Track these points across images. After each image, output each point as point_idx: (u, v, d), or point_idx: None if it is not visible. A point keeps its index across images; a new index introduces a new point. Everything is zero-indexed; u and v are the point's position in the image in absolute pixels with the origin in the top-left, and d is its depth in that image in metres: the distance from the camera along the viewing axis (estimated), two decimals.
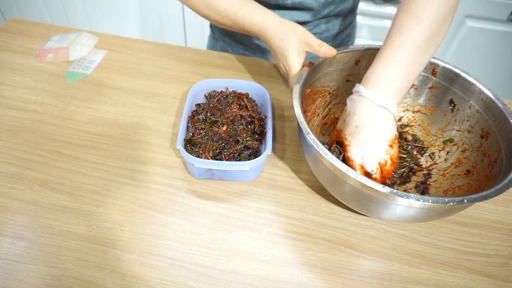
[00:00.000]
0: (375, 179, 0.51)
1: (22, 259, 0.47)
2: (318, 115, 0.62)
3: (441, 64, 0.56)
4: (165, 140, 0.62)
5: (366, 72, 0.51)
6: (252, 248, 0.50)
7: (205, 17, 0.64)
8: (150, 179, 0.57)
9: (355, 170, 0.51)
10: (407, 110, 0.63)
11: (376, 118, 0.49)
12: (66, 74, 0.73)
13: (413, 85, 0.61)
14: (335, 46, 0.63)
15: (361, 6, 1.34)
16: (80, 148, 0.60)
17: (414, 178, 0.58)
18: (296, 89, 0.51)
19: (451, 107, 0.58)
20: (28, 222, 0.51)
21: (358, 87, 0.51)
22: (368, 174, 0.51)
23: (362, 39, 1.45)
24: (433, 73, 0.58)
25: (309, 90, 0.57)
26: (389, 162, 0.51)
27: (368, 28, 1.40)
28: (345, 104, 0.62)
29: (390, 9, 1.33)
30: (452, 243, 0.52)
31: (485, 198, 0.40)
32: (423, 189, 0.56)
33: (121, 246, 0.49)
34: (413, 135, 0.62)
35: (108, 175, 0.57)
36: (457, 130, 0.57)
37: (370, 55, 0.58)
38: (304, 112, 0.58)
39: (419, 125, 0.62)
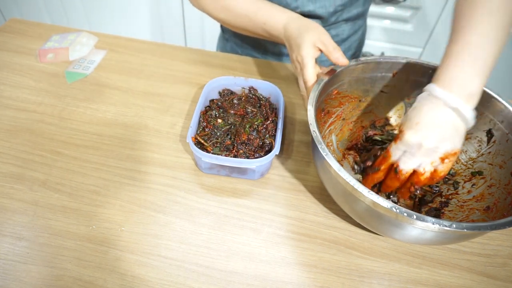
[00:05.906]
0: (397, 177, 0.46)
1: (22, 259, 0.47)
2: (344, 119, 0.61)
3: (486, 90, 0.52)
4: (165, 140, 0.62)
5: (437, 70, 0.46)
6: (252, 248, 0.50)
7: (222, 20, 0.63)
8: (150, 179, 0.57)
9: (380, 165, 0.47)
10: None
11: (443, 122, 0.43)
12: (66, 74, 0.73)
13: None
14: (344, 51, 0.60)
15: None
16: (80, 148, 0.60)
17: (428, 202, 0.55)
18: (313, 95, 0.49)
19: (487, 138, 0.53)
20: (28, 222, 0.51)
21: (429, 86, 0.45)
22: (392, 171, 0.47)
23: None
24: None
25: (335, 91, 0.56)
26: (427, 174, 0.45)
27: (368, 28, 1.39)
28: (375, 114, 0.61)
29: (390, 9, 1.33)
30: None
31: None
32: (434, 216, 0.51)
33: (121, 246, 0.49)
34: None
35: (108, 175, 0.57)
36: (489, 164, 0.53)
37: (409, 68, 0.56)
38: (328, 113, 0.58)
39: None
